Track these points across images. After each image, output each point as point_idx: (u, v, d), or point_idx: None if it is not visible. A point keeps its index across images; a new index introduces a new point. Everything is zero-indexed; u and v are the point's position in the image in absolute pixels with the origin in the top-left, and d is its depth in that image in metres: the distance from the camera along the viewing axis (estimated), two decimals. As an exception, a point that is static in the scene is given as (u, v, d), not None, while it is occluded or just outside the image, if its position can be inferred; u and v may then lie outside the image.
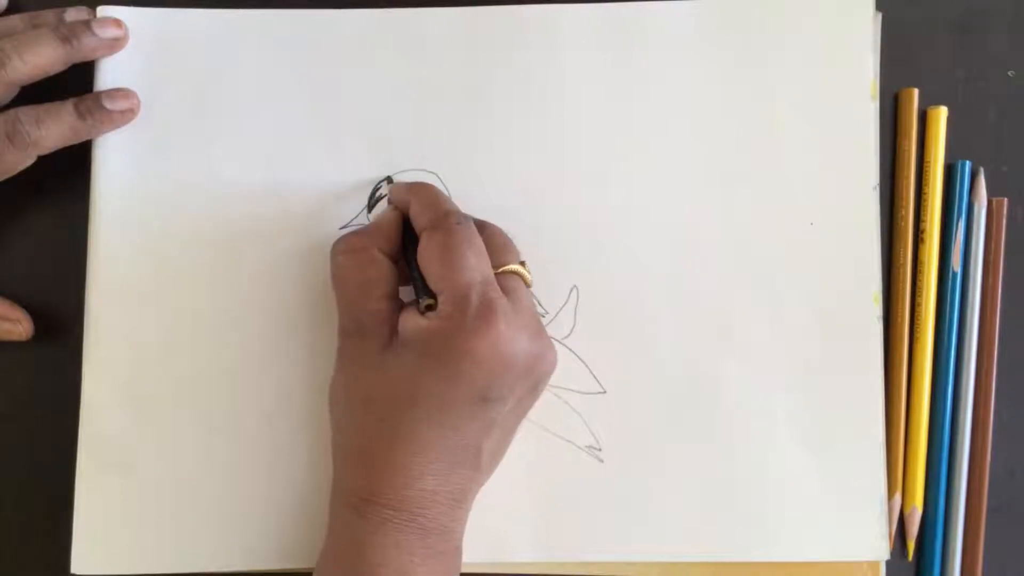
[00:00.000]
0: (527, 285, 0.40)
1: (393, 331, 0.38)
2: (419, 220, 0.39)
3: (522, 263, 0.40)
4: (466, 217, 0.39)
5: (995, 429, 0.44)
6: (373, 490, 0.37)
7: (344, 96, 0.45)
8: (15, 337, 0.44)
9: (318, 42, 0.45)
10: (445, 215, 0.38)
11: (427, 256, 0.38)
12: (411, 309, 0.38)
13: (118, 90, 0.44)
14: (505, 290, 0.38)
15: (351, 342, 0.39)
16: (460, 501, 0.38)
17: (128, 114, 0.44)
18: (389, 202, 0.42)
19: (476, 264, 0.37)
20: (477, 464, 0.38)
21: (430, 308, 0.37)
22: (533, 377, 0.38)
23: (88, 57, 0.44)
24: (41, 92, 0.43)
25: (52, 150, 0.42)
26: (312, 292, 0.44)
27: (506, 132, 0.45)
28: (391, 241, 0.40)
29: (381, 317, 0.38)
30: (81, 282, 0.44)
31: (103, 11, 0.45)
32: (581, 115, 0.45)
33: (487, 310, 0.36)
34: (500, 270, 0.39)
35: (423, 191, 0.40)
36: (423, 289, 0.38)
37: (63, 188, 0.45)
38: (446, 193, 0.44)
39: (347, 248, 0.39)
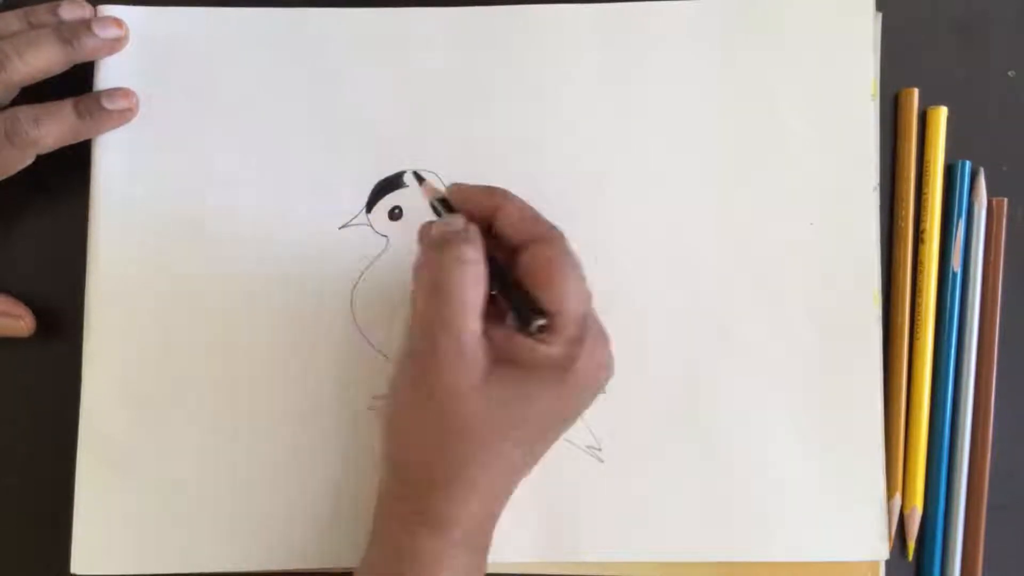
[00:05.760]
0: None
1: (488, 352, 0.36)
2: (517, 230, 0.37)
3: None
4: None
5: (995, 429, 0.44)
6: (445, 509, 0.36)
7: (344, 95, 0.45)
8: (18, 333, 0.44)
9: (318, 41, 0.45)
10: (550, 229, 0.36)
11: (540, 274, 0.35)
12: (516, 331, 0.36)
13: (117, 90, 0.44)
14: None
15: (436, 357, 0.35)
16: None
17: (127, 113, 0.44)
18: (442, 204, 0.38)
19: (585, 286, 0.36)
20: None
21: (542, 329, 0.35)
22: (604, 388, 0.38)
23: (89, 57, 0.44)
24: (41, 90, 0.43)
25: (51, 149, 0.42)
26: (312, 291, 0.43)
27: (506, 132, 0.45)
28: (481, 253, 0.36)
29: (477, 337, 0.35)
30: (81, 282, 0.43)
31: (103, 10, 0.45)
32: (581, 115, 0.45)
33: (603, 337, 0.36)
34: None
35: (512, 199, 0.37)
36: (529, 308, 0.35)
37: (63, 188, 0.45)
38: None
39: (462, 259, 0.35)
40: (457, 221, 0.37)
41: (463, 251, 0.35)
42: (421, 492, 0.36)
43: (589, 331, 0.36)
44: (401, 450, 0.37)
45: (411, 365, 0.36)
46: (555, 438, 0.38)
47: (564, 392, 0.36)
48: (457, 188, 0.39)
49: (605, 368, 0.37)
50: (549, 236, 0.36)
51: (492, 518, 0.37)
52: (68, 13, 0.44)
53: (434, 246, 0.36)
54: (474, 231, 0.36)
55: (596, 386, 0.37)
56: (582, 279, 0.36)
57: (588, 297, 0.36)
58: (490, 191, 0.38)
